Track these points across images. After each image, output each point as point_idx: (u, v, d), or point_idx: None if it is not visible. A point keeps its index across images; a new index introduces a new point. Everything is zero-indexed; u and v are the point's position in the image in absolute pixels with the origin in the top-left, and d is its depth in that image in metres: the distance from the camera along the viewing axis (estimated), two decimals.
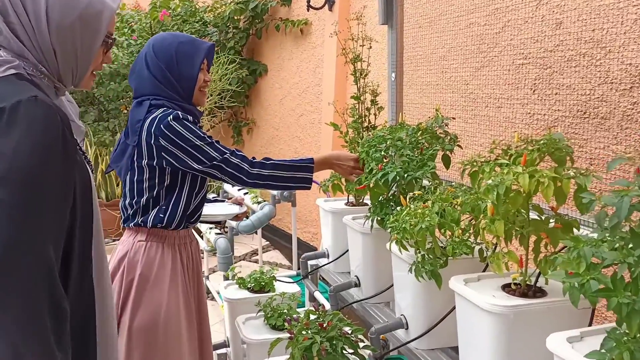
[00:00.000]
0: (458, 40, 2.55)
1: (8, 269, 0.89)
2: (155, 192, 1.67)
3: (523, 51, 2.23)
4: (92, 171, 1.11)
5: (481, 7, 2.41)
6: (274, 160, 1.70)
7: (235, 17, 5.06)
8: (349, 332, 1.47)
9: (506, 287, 1.23)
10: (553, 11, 2.08)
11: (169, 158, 1.62)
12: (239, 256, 4.68)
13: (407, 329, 1.51)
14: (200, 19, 5.20)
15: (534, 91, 2.19)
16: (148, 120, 1.62)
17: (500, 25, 2.33)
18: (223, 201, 2.02)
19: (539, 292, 1.19)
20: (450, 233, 1.33)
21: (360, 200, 2.05)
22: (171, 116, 1.61)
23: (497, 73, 2.37)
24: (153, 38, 1.73)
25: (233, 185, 1.67)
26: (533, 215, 1.20)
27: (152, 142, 1.61)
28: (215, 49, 5.28)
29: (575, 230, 1.15)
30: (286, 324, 1.53)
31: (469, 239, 1.33)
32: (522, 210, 1.17)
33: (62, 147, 0.95)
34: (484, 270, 1.40)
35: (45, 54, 1.03)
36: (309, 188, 1.75)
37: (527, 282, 1.20)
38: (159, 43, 1.69)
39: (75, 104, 1.16)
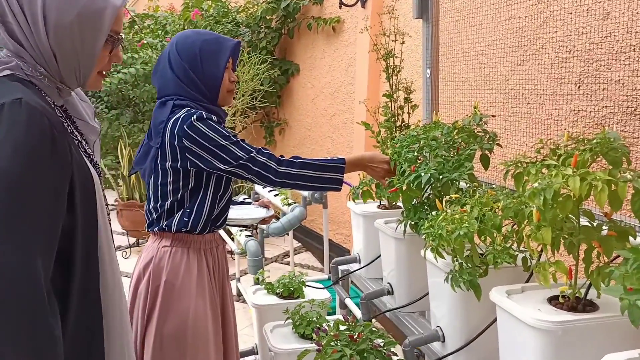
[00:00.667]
0: (497, 35, 2.44)
1: None
2: (179, 196, 1.62)
3: (567, 45, 2.11)
4: (99, 173, 1.07)
5: None
6: (303, 159, 1.62)
7: (268, 17, 5.03)
8: (381, 344, 1.38)
9: (553, 300, 1.12)
10: (600, 1, 1.95)
11: (193, 159, 1.56)
12: (271, 258, 4.63)
13: (443, 341, 1.41)
14: (232, 20, 5.19)
15: (579, 87, 2.06)
16: (171, 121, 1.57)
17: (542, 18, 2.21)
18: (249, 204, 1.96)
19: (589, 306, 1.08)
20: (490, 240, 1.23)
21: (393, 203, 1.96)
22: (195, 116, 1.55)
23: (539, 68, 2.25)
24: (176, 36, 1.66)
25: (261, 185, 1.59)
26: (584, 221, 1.09)
27: (176, 143, 1.56)
28: (247, 49, 5.25)
29: (631, 238, 1.04)
30: (314, 334, 1.45)
31: (512, 247, 1.23)
32: (572, 217, 1.06)
33: (49, 150, 0.91)
34: (527, 280, 1.29)
35: (44, 54, 0.99)
36: (339, 189, 1.66)
37: (576, 295, 1.09)
38: (182, 41, 1.62)
39: (89, 103, 1.13)
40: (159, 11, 5.58)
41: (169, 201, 1.63)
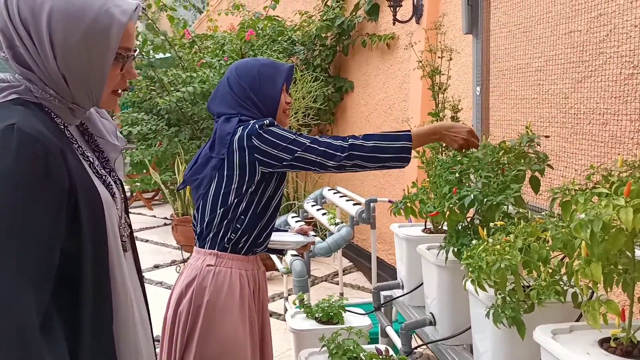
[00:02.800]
0: (556, 50, 2.32)
1: None
2: (229, 212, 1.63)
3: (632, 60, 1.97)
4: (112, 194, 1.05)
5: (582, 12, 2.17)
6: (365, 134, 1.59)
7: (323, 35, 5.04)
8: None
9: (605, 343, 1.01)
10: None
11: (260, 157, 1.59)
12: (321, 277, 4.58)
13: None
14: (288, 38, 5.24)
15: None
16: (240, 129, 1.62)
17: (605, 32, 2.09)
18: (286, 231, 1.93)
19: None
20: (537, 273, 1.13)
21: (439, 227, 1.86)
22: (267, 121, 1.62)
23: (601, 85, 2.11)
24: (235, 63, 1.75)
25: (326, 168, 1.56)
26: None
27: (245, 144, 1.59)
28: (302, 67, 5.31)
29: None
30: None
31: (561, 281, 1.12)
32: (627, 251, 0.95)
33: (41, 176, 0.88)
34: (578, 319, 1.18)
35: (53, 76, 0.97)
36: (408, 160, 1.56)
37: (632, 339, 0.97)
38: (242, 66, 1.73)
39: (110, 121, 1.12)
40: (217, 31, 5.72)
41: (217, 218, 1.63)
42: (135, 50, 1.05)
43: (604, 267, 0.95)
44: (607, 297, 0.99)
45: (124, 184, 1.19)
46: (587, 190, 1.00)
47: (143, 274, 1.24)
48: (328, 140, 1.58)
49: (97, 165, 1.06)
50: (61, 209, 0.92)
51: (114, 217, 1.04)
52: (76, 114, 1.04)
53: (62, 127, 1.01)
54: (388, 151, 1.54)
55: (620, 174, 1.00)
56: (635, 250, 0.97)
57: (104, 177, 1.05)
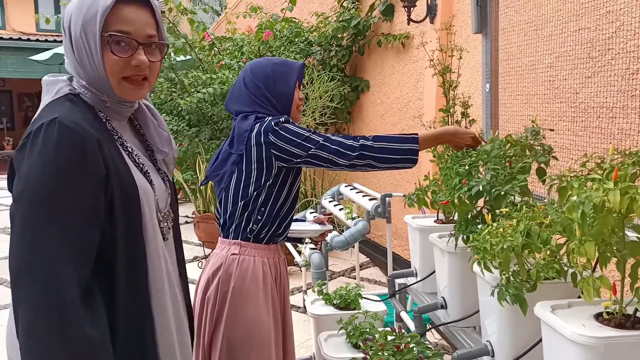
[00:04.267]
0: (566, 47, 2.38)
1: (20, 288, 0.92)
2: (249, 205, 1.73)
3: (639, 56, 2.03)
4: (149, 181, 1.12)
5: (591, 10, 2.23)
6: (375, 135, 1.69)
7: (339, 35, 5.13)
8: (430, 355, 1.39)
9: (600, 317, 1.10)
10: None
11: (277, 152, 1.68)
12: (339, 272, 4.67)
13: (492, 356, 1.40)
14: (305, 39, 5.34)
15: None
16: (257, 125, 1.71)
17: (613, 29, 2.15)
18: (304, 221, 2.04)
19: (638, 324, 1.05)
20: (538, 255, 1.21)
21: (450, 218, 1.95)
22: (282, 118, 1.71)
23: (609, 81, 2.17)
24: (249, 64, 1.84)
25: (339, 166, 1.67)
26: (635, 237, 1.06)
27: (262, 140, 1.69)
28: (319, 67, 5.38)
29: None
30: (362, 344, 1.48)
31: (560, 262, 1.21)
32: (618, 231, 1.04)
33: (78, 165, 0.97)
34: (579, 297, 1.26)
35: (76, 69, 1.07)
36: (415, 161, 1.67)
37: (626, 312, 1.06)
38: (256, 65, 1.82)
39: (166, 130, 1.21)
40: (236, 34, 5.83)
41: (239, 209, 1.73)
42: (128, 34, 1.05)
43: (599, 247, 1.04)
44: (601, 274, 1.08)
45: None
46: (582, 177, 1.09)
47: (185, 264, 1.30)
48: (340, 139, 1.66)
49: (136, 155, 1.13)
50: (99, 194, 1.00)
51: (152, 205, 1.10)
52: (113, 108, 1.11)
53: (104, 120, 1.09)
54: (397, 153, 1.64)
55: (612, 162, 1.09)
56: (626, 231, 1.06)
57: (141, 166, 1.12)
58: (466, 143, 1.70)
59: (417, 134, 1.68)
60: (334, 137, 1.67)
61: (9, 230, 1.02)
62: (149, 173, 1.14)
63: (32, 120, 1.04)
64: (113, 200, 1.02)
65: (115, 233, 1.02)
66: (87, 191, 0.99)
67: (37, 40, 12.62)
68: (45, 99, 1.07)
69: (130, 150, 1.12)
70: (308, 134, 1.68)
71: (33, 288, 0.92)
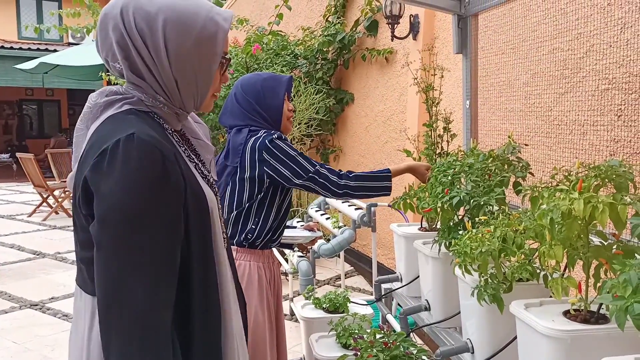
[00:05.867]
0: (541, 66, 2.53)
1: (112, 311, 0.89)
2: (243, 214, 1.84)
3: (607, 76, 2.18)
4: (215, 193, 1.11)
5: (564, 32, 2.38)
6: (355, 172, 1.92)
7: (324, 49, 5.27)
8: (414, 352, 1.50)
9: (568, 313, 1.22)
10: (638, 35, 2.02)
11: (270, 172, 1.81)
12: (324, 280, 4.77)
13: (472, 353, 1.52)
14: (291, 52, 5.47)
15: (619, 117, 2.12)
16: (251, 140, 1.83)
17: (584, 50, 2.30)
18: (295, 228, 2.15)
19: (601, 319, 1.18)
20: (513, 258, 1.34)
21: (433, 226, 2.08)
22: (275, 135, 1.83)
23: (581, 98, 2.32)
24: (239, 80, 1.96)
25: (326, 196, 1.92)
26: (598, 241, 1.19)
27: (256, 157, 1.81)
28: (305, 79, 5.50)
29: (638, 256, 1.13)
30: (353, 341, 1.59)
31: (532, 264, 1.34)
32: (583, 236, 1.17)
33: (161, 181, 0.94)
34: (550, 297, 1.39)
35: (167, 83, 1.03)
36: (389, 194, 1.96)
37: (590, 309, 1.19)
38: (246, 82, 1.93)
39: (204, 124, 1.19)
40: None
41: (235, 215, 1.84)
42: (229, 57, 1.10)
43: (566, 250, 1.17)
44: (568, 275, 1.21)
45: None
46: (551, 188, 1.22)
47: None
48: (326, 173, 1.86)
49: (201, 167, 1.10)
50: (180, 210, 0.97)
51: (217, 217, 1.07)
52: (180, 119, 1.09)
53: (169, 132, 1.06)
54: (372, 190, 1.93)
55: (578, 174, 1.22)
56: (590, 236, 1.19)
57: (208, 177, 1.10)
58: (426, 175, 1.96)
59: (390, 171, 1.96)
60: (322, 170, 1.85)
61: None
62: (214, 185, 1.12)
63: (89, 137, 1.00)
64: (188, 216, 0.99)
65: (190, 249, 0.99)
66: (171, 208, 0.95)
67: (20, 48, 12.58)
68: (107, 113, 1.02)
69: (196, 162, 1.10)
70: (300, 160, 1.82)
71: (126, 315, 0.89)
